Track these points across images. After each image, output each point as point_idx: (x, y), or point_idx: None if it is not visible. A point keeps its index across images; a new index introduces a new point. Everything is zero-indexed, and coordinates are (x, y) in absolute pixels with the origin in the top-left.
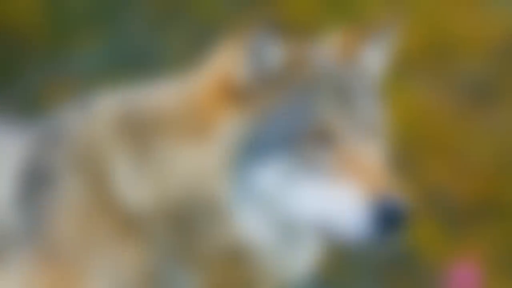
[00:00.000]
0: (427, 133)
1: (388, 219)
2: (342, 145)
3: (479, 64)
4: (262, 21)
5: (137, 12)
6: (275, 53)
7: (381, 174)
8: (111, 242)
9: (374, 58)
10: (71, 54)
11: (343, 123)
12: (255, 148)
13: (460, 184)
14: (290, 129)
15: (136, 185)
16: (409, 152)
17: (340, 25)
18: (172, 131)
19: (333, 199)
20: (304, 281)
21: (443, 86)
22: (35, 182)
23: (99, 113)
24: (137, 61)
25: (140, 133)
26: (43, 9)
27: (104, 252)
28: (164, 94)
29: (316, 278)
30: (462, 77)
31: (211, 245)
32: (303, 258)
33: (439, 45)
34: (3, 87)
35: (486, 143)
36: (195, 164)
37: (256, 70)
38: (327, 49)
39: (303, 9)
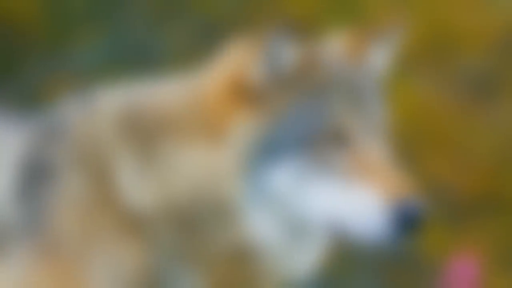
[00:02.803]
0: (427, 127)
1: (407, 221)
2: (356, 146)
3: (480, 59)
4: (277, 22)
5: (137, 7)
6: (290, 54)
7: (397, 176)
8: (111, 240)
9: (380, 58)
10: (71, 49)
11: (355, 124)
12: (269, 150)
13: (460, 179)
14: (304, 130)
15: (140, 185)
16: (410, 146)
17: (342, 23)
18: (180, 131)
19: (350, 201)
20: (306, 278)
21: (443, 81)
22: (35, 177)
23: (101, 110)
24: (137, 57)
25: (145, 132)
26: (43, 5)
27: (105, 249)
28: (170, 93)
29: (316, 274)
30: (463, 71)
31: (218, 246)
32: (308, 258)
33: (440, 40)
34: (3, 82)
35: (487, 137)
36: (207, 165)
37: (271, 71)
38: (336, 50)
39: (304, 6)
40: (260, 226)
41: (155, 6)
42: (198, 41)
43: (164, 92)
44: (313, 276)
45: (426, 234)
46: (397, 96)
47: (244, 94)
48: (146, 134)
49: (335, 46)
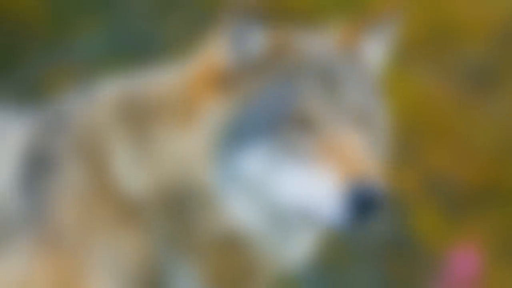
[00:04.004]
0: (427, 119)
1: (362, 204)
2: (323, 131)
3: (481, 50)
4: (243, 8)
5: None
6: (257, 39)
7: (359, 160)
8: (111, 228)
9: (375, 49)
10: (72, 40)
11: (326, 110)
12: (238, 133)
13: (461, 170)
14: (272, 114)
15: (133, 170)
16: (410, 137)
17: (344, 15)
18: (166, 117)
19: (311, 185)
20: (302, 267)
21: (444, 72)
22: (37, 168)
23: (100, 99)
24: (138, 47)
25: (138, 119)
26: None
27: (105, 238)
28: (161, 81)
29: (314, 264)
30: (463, 63)
31: (206, 232)
32: (299, 244)
33: (440, 31)
34: (5, 74)
35: (487, 128)
36: (183, 150)
37: (238, 55)
38: (324, 38)
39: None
40: (240, 212)
41: None
42: (198, 31)
43: (157, 80)
44: (308, 265)
45: (427, 224)
46: (397, 87)
47: (217, 79)
48: (139, 122)
49: (325, 34)
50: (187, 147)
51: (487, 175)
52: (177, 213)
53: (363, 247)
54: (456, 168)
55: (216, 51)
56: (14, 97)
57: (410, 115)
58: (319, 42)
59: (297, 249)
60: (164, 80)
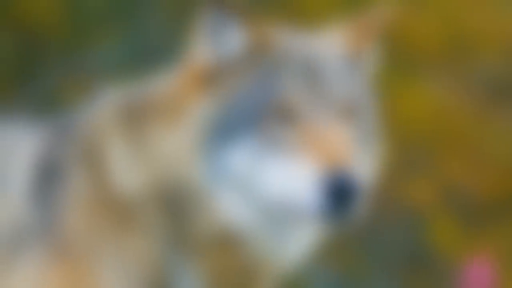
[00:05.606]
0: (445, 130)
1: (338, 193)
2: (304, 123)
3: (498, 61)
4: (220, 4)
5: (155, 8)
6: (235, 35)
7: (338, 151)
8: (117, 232)
9: (371, 49)
10: (89, 51)
11: (308, 103)
12: (223, 130)
13: (478, 181)
14: (255, 109)
15: (131, 172)
16: (428, 149)
17: (347, 15)
18: (159, 118)
19: (291, 177)
20: (319, 277)
21: (461, 83)
22: (48, 179)
23: (103, 106)
24: (155, 58)
25: (135, 122)
26: (61, 7)
27: (111, 243)
28: (158, 84)
29: (332, 274)
30: (480, 74)
31: (202, 229)
32: (296, 241)
33: (457, 43)
34: (22, 85)
35: (504, 140)
36: (173, 149)
37: (217, 53)
38: (313, 35)
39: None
40: (232, 208)
41: (172, 6)
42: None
43: (155, 84)
44: (326, 276)
45: (443, 236)
46: (415, 98)
47: (201, 78)
48: (135, 124)
49: (318, 33)
50: (177, 146)
51: (503, 186)
52: (174, 212)
53: (379, 256)
54: (473, 179)
55: (200, 49)
56: (31, 108)
57: (427, 126)
58: (305, 38)
59: (294, 246)
60: (161, 82)
